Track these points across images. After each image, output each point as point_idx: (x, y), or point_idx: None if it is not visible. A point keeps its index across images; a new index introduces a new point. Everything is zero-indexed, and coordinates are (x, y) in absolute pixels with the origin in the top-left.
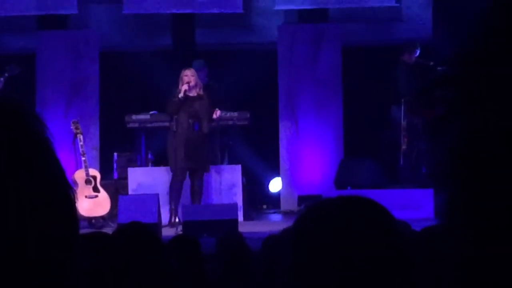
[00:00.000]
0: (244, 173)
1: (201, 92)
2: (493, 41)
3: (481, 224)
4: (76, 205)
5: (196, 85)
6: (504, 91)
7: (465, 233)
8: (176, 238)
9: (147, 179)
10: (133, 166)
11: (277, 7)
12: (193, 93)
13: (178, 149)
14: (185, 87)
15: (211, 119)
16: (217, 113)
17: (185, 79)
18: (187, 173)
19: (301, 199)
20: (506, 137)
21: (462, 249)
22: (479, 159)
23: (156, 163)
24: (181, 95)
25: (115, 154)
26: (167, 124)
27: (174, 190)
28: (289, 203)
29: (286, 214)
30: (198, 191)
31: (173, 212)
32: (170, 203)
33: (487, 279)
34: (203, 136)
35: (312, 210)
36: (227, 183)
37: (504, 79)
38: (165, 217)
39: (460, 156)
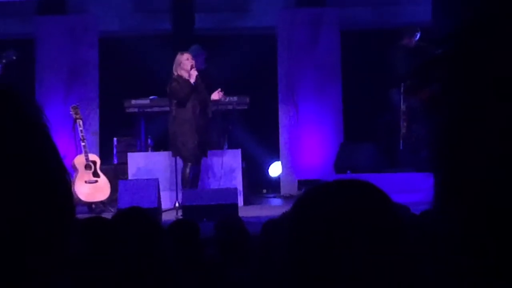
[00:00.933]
0: (244, 157)
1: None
2: (483, 18)
3: (469, 207)
4: (73, 189)
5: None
6: (493, 69)
7: (454, 216)
8: (175, 223)
9: (147, 164)
10: (133, 151)
11: None
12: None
13: (191, 136)
14: (195, 72)
15: (211, 103)
16: (220, 94)
17: (188, 63)
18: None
19: (301, 184)
20: (495, 116)
21: (451, 232)
22: (467, 140)
23: (156, 148)
24: (193, 80)
25: (115, 139)
26: (167, 109)
27: (192, 176)
28: (289, 188)
29: (286, 198)
30: (198, 176)
31: None
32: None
33: (475, 263)
34: (209, 121)
35: (310, 194)
36: (227, 167)
37: (493, 57)
38: (165, 202)
39: (448, 136)
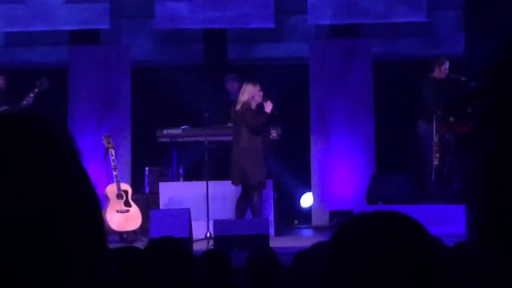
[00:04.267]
0: (276, 188)
1: None
2: None
3: (509, 241)
4: (104, 218)
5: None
6: None
7: (493, 249)
8: (207, 253)
9: (179, 193)
10: (165, 181)
11: (309, 22)
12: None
13: (262, 165)
14: (271, 104)
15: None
16: (270, 105)
17: (260, 95)
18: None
19: (333, 214)
20: None
21: (491, 265)
22: (508, 174)
23: (187, 177)
24: (269, 110)
25: (147, 168)
26: (199, 138)
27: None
28: (320, 218)
29: (318, 229)
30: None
31: None
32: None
33: None
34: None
35: (349, 225)
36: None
37: None
38: (196, 232)
39: (487, 171)
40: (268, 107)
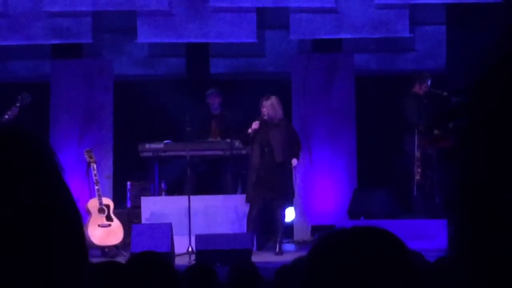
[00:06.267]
0: None
1: (279, 121)
2: (504, 71)
3: (489, 256)
4: (86, 233)
5: (275, 114)
6: (510, 119)
7: (472, 264)
8: (191, 267)
9: (161, 208)
10: (147, 195)
11: (291, 37)
12: (272, 121)
13: (251, 177)
14: (255, 126)
15: (291, 147)
16: (294, 162)
17: (263, 110)
18: (262, 202)
19: (315, 229)
20: None
21: (470, 280)
22: (488, 190)
23: (169, 192)
24: (249, 131)
25: (129, 183)
26: (181, 153)
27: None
28: (302, 233)
29: (299, 244)
30: (256, 219)
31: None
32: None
33: None
34: (276, 166)
35: (326, 241)
36: (240, 212)
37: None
38: (178, 246)
39: (467, 187)
40: (252, 126)
